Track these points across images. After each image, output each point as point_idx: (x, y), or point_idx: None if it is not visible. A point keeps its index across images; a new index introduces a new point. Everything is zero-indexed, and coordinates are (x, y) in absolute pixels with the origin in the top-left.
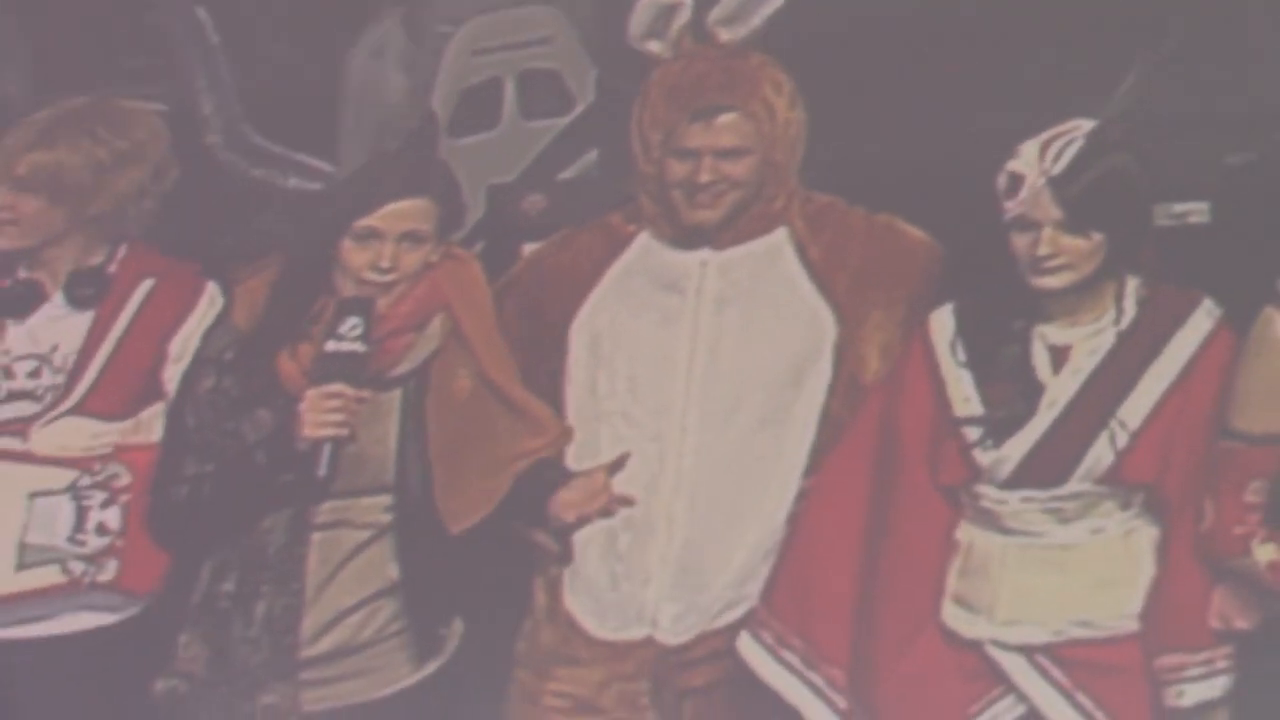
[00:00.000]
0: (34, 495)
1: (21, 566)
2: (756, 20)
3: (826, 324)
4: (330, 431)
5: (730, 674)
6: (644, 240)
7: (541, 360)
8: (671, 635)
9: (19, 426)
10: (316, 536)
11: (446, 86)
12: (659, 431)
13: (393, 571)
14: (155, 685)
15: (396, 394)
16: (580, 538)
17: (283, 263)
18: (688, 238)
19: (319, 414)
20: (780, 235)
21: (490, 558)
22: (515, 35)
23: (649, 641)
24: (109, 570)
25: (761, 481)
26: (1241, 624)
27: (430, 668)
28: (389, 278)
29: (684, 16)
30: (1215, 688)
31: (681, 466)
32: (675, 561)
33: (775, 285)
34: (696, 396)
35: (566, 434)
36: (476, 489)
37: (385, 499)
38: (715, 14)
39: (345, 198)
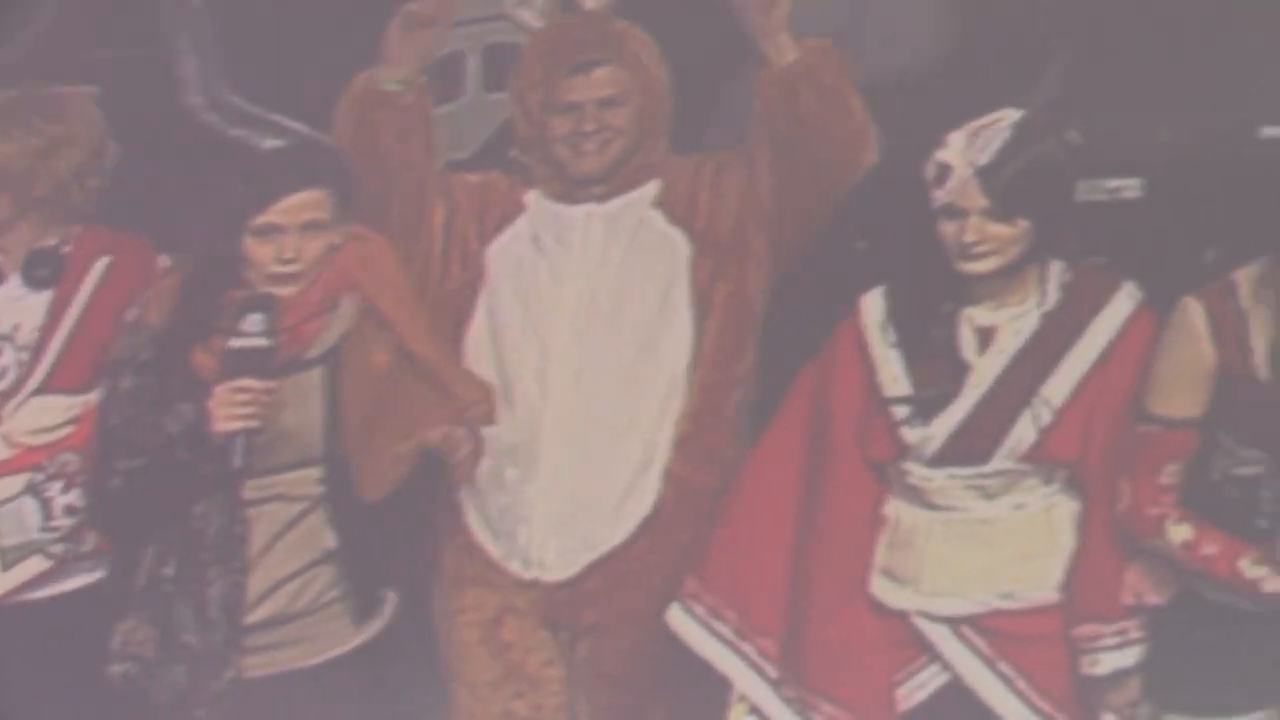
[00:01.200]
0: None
1: (7, 567)
2: None
3: (681, 246)
4: (240, 424)
5: (622, 612)
6: (536, 198)
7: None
8: (558, 571)
9: None
10: (252, 513)
11: None
12: (543, 372)
13: (329, 540)
14: (109, 669)
15: (318, 372)
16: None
17: (191, 261)
18: (574, 192)
19: (228, 408)
20: (654, 186)
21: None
22: (479, 10)
23: (535, 583)
24: (89, 541)
25: (638, 405)
26: (1154, 599)
27: (371, 630)
28: (294, 268)
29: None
30: (1129, 657)
31: (562, 407)
32: (557, 498)
33: (649, 232)
34: (579, 339)
35: (488, 409)
36: (387, 457)
37: (316, 471)
38: None
39: (240, 197)
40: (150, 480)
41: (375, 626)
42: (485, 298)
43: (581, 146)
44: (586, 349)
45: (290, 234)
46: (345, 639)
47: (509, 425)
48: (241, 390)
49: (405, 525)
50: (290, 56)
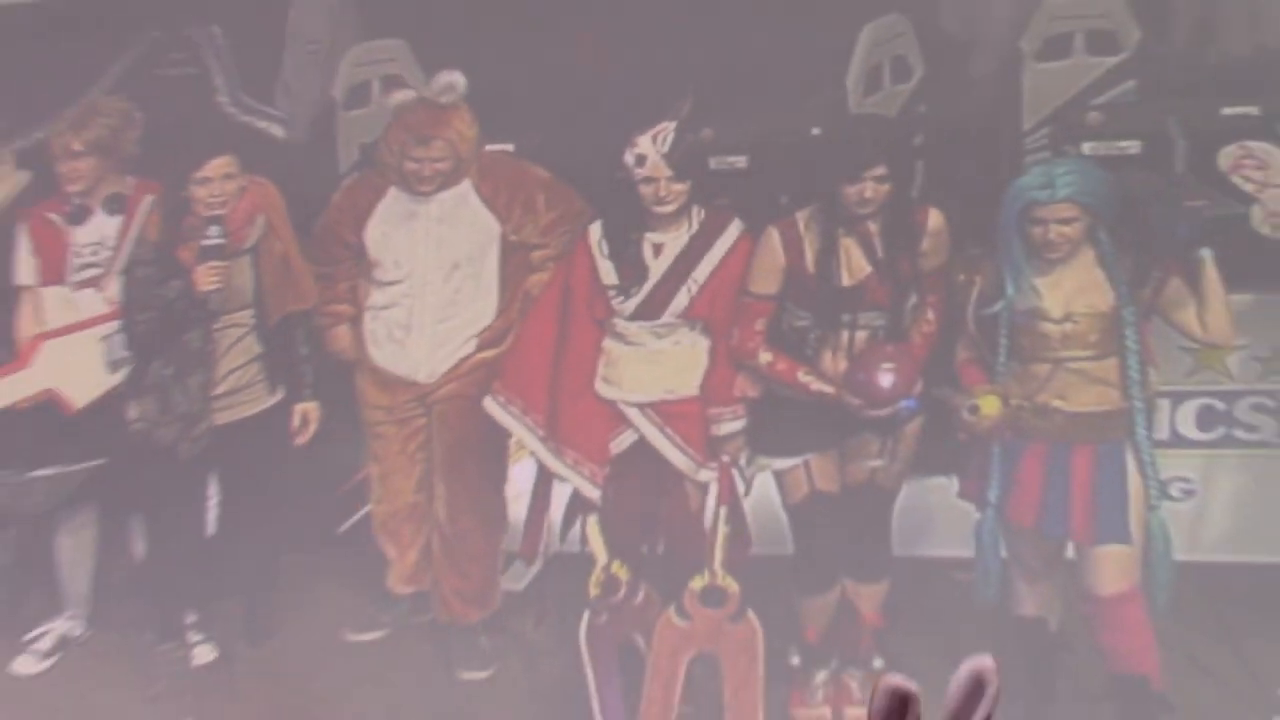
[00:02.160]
0: (104, 338)
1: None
2: (453, 95)
3: (493, 226)
4: (213, 287)
5: (460, 394)
6: (394, 191)
7: (350, 247)
8: (428, 379)
9: (93, 281)
10: (217, 335)
11: (342, 83)
12: (410, 289)
13: (257, 349)
14: (131, 425)
15: (248, 258)
16: (376, 321)
17: (163, 198)
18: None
19: (205, 278)
20: (466, 184)
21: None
22: (378, 55)
23: (416, 384)
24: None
25: (470, 308)
26: (751, 393)
27: (279, 395)
28: (222, 199)
29: (411, 97)
30: (737, 424)
31: (425, 304)
32: (425, 345)
33: (467, 208)
34: (431, 270)
35: (311, 298)
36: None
37: (251, 311)
38: (432, 90)
39: (184, 163)
40: (158, 323)
41: (279, 395)
42: (370, 248)
43: (421, 180)
44: (434, 275)
45: (215, 181)
46: (265, 402)
47: (397, 310)
48: (212, 268)
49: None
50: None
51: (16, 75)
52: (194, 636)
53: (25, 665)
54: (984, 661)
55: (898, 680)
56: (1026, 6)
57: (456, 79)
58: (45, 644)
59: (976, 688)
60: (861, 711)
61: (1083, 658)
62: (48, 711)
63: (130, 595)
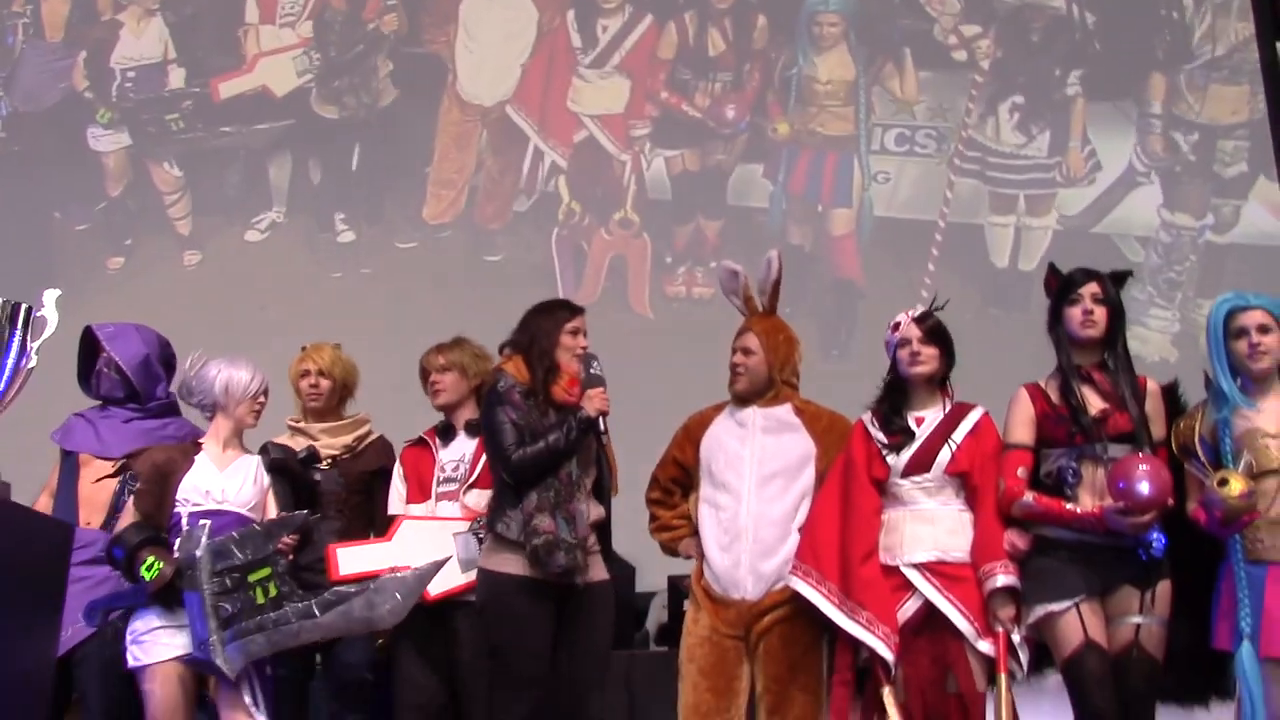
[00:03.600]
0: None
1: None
2: None
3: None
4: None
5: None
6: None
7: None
8: (752, 595)
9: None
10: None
11: None
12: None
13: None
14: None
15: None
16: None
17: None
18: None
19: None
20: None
21: None
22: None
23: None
24: None
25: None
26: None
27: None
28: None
29: None
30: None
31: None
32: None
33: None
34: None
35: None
36: None
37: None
38: None
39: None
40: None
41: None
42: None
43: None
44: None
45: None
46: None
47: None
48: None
49: None
50: None
51: None
52: (340, 226)
53: (252, 236)
54: (775, 251)
55: (730, 262)
56: None
57: None
58: (263, 225)
59: (770, 265)
60: (703, 290)
61: (822, 268)
62: (264, 262)
63: (309, 202)
